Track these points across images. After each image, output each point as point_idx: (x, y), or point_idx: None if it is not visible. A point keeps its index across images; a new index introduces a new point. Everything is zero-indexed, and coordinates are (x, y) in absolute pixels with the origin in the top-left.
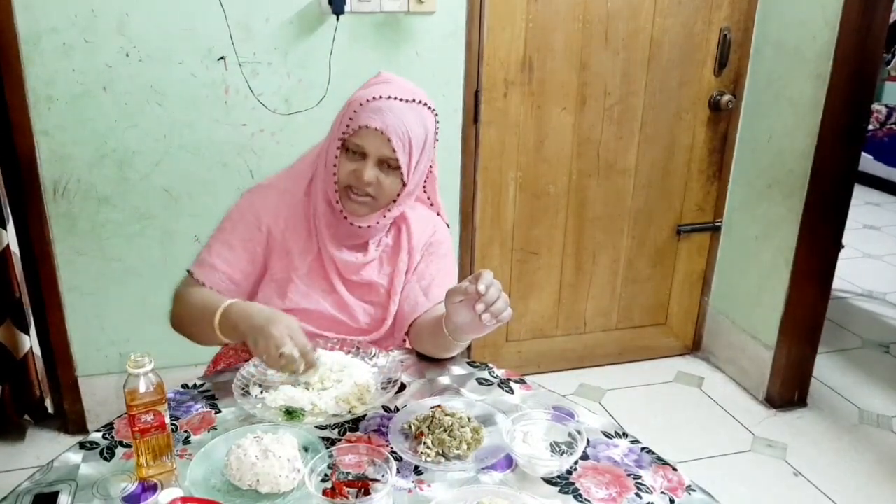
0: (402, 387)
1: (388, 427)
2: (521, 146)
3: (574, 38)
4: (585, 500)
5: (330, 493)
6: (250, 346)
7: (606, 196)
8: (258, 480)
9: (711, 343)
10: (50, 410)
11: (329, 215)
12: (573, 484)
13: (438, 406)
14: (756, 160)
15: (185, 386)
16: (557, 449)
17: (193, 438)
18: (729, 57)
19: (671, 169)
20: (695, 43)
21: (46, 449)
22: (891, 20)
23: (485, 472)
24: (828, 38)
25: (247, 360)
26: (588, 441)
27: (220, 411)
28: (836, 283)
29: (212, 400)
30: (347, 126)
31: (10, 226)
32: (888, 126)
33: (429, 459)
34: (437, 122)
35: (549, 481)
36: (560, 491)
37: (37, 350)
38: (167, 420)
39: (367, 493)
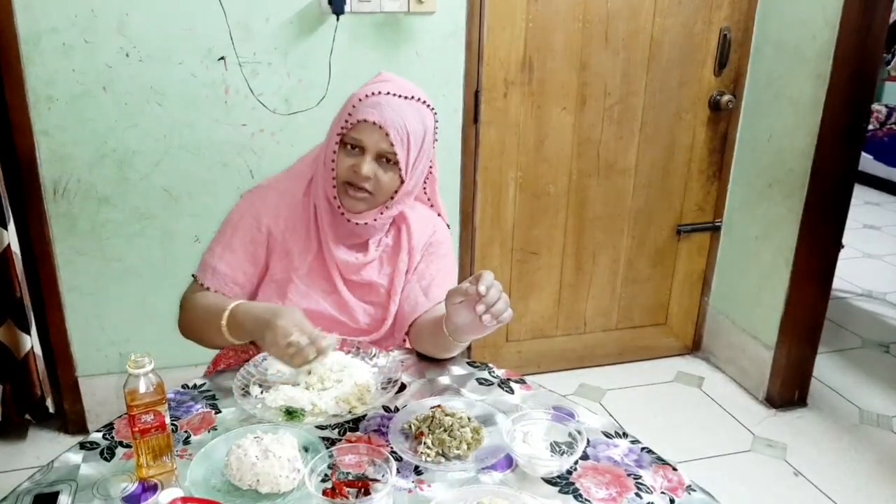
0: (402, 387)
1: (388, 427)
2: (521, 146)
3: (574, 38)
4: (585, 500)
5: (330, 493)
6: (258, 341)
7: (606, 196)
8: (258, 480)
9: (711, 343)
10: (51, 410)
11: (329, 214)
12: (573, 484)
13: (438, 406)
14: (756, 160)
15: (185, 386)
16: (557, 449)
17: (193, 438)
18: (729, 57)
19: (671, 169)
20: (695, 43)
21: (46, 449)
22: (891, 20)
23: (485, 472)
24: (828, 38)
25: (247, 361)
26: (588, 441)
27: (220, 411)
28: (836, 283)
29: (212, 400)
30: (346, 121)
31: (11, 225)
32: (888, 126)
33: (429, 459)
34: (437, 121)
35: (549, 481)
36: (560, 491)
37: (38, 350)
38: (167, 420)
39: (367, 493)
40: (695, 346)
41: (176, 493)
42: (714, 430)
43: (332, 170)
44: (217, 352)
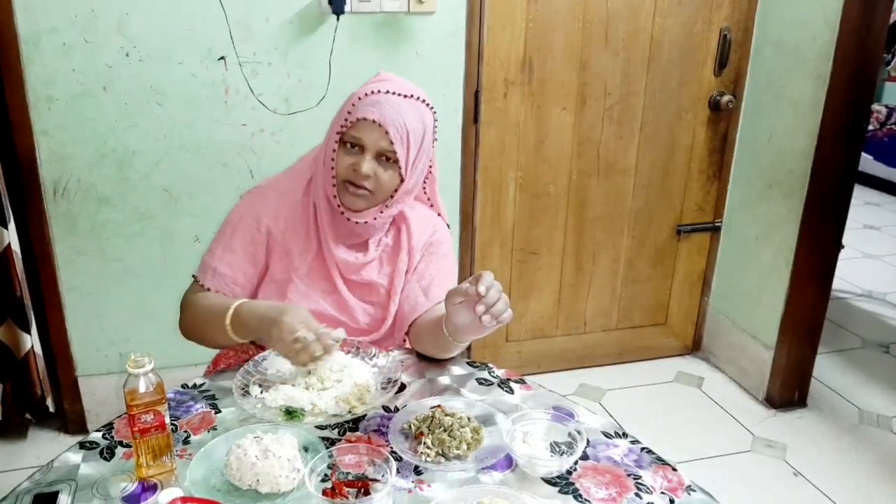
0: (402, 387)
1: (388, 427)
2: (521, 146)
3: (574, 38)
4: (585, 500)
5: (330, 493)
6: (264, 338)
7: (606, 196)
8: (258, 480)
9: (711, 343)
10: (51, 409)
11: (329, 213)
12: (573, 484)
13: (438, 406)
14: (756, 160)
15: (185, 386)
16: (557, 449)
17: (193, 438)
18: (729, 57)
19: (671, 169)
20: (695, 43)
21: (46, 449)
22: (891, 20)
23: (485, 472)
24: (828, 38)
25: (247, 361)
26: (588, 441)
27: (220, 411)
28: (836, 283)
29: (212, 400)
30: (345, 120)
31: (12, 225)
32: (888, 126)
33: (429, 459)
34: (436, 120)
35: (549, 481)
36: (560, 491)
37: (38, 349)
38: (167, 420)
39: (367, 493)
40: (695, 346)
41: (176, 492)
42: (714, 431)
43: (332, 168)
44: (217, 352)
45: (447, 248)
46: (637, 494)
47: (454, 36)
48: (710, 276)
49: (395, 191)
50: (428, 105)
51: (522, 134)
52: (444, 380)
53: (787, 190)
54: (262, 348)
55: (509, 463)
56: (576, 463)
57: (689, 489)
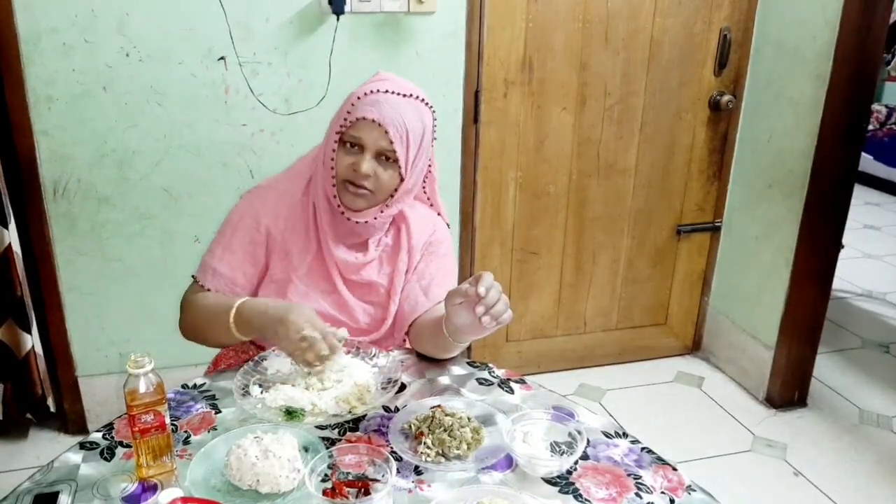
0: (402, 387)
1: (388, 427)
2: (521, 146)
3: (574, 38)
4: (585, 500)
5: (330, 493)
6: (270, 336)
7: (606, 196)
8: (258, 480)
9: (711, 343)
10: (52, 409)
11: (329, 213)
12: (573, 484)
13: (438, 406)
14: (756, 160)
15: (185, 386)
16: (557, 449)
17: (193, 438)
18: (729, 57)
19: (671, 169)
20: (695, 43)
21: (47, 449)
22: (891, 20)
23: (485, 472)
24: (828, 38)
25: (247, 361)
26: (588, 441)
27: (220, 411)
28: (836, 283)
29: (212, 400)
30: (345, 119)
31: (12, 225)
32: (888, 126)
33: (429, 459)
34: (435, 120)
35: (549, 481)
36: (560, 491)
37: (38, 349)
38: (167, 420)
39: (367, 493)
40: (695, 346)
41: (176, 493)
42: (714, 430)
43: (332, 168)
44: (217, 352)
45: (447, 248)
46: (637, 494)
47: (454, 36)
48: (710, 276)
49: (395, 190)
50: (427, 104)
51: (522, 134)
52: (444, 380)
53: (787, 190)
54: (262, 348)
55: (509, 463)
56: (576, 463)
57: (689, 489)
